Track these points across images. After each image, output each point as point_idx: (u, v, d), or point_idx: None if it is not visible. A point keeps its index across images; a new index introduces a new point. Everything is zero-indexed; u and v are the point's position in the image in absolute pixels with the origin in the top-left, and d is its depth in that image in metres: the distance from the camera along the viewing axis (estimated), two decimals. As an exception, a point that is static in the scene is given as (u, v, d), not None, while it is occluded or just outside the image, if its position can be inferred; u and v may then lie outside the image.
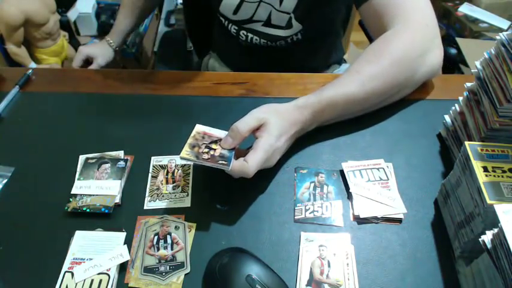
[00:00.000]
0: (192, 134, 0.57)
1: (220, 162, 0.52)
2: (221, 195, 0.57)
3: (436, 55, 0.69)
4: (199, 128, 0.58)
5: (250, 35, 0.89)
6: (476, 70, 0.56)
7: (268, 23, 0.85)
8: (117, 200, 0.56)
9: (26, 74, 0.77)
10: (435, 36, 0.68)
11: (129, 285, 0.48)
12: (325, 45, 0.99)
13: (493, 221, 0.40)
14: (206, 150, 0.54)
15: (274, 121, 0.56)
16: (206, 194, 0.58)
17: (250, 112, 0.57)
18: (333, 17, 0.94)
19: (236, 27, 0.89)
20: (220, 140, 0.56)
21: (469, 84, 0.59)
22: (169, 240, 0.52)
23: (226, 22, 0.90)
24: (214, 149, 0.55)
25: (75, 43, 1.77)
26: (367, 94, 0.63)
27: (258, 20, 0.85)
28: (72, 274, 0.49)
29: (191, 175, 0.60)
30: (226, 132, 0.57)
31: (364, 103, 0.64)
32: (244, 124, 0.55)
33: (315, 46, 0.94)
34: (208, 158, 0.53)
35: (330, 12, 0.91)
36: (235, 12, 0.85)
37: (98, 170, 0.60)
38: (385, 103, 0.67)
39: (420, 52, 0.66)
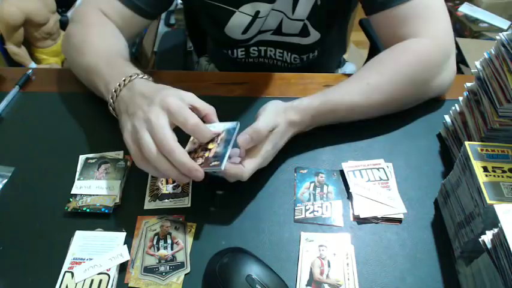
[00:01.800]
0: (190, 139, 0.55)
1: (212, 164, 0.50)
2: (221, 195, 0.57)
3: (448, 75, 0.67)
4: None
5: (262, 48, 0.85)
6: (476, 70, 0.56)
7: (278, 31, 0.82)
8: (117, 200, 0.56)
9: (26, 74, 0.76)
10: (451, 53, 0.67)
11: (129, 285, 0.48)
12: (334, 58, 0.99)
13: (493, 221, 0.40)
14: (202, 153, 0.52)
15: (280, 128, 0.56)
16: (206, 194, 0.57)
17: (266, 111, 0.56)
18: (346, 26, 0.94)
19: (243, 51, 0.86)
20: (217, 136, 0.53)
21: (469, 84, 0.59)
22: (169, 240, 0.52)
23: (230, 51, 0.87)
24: (210, 149, 0.52)
25: (75, 43, 1.76)
26: (371, 106, 0.62)
27: (267, 30, 0.82)
28: (72, 274, 0.49)
29: (191, 175, 0.60)
30: (225, 124, 0.55)
31: (366, 113, 0.64)
32: (267, 126, 0.54)
33: (325, 61, 0.93)
34: (202, 163, 0.50)
35: (344, 18, 0.89)
36: (245, 31, 0.81)
37: (98, 170, 0.60)
38: (387, 113, 0.66)
39: (435, 71, 0.65)
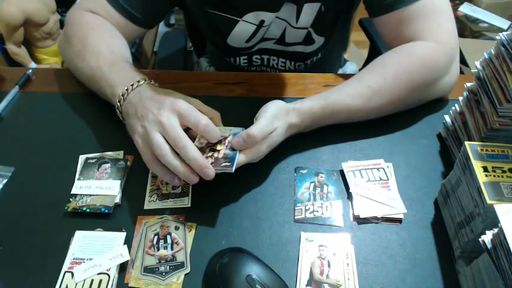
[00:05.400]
0: (197, 138, 0.56)
1: (223, 164, 0.51)
2: (221, 195, 0.57)
3: (451, 79, 0.67)
4: None
5: (265, 57, 0.84)
6: (476, 70, 0.56)
7: (281, 40, 0.81)
8: (117, 200, 0.56)
9: (26, 74, 0.76)
10: (455, 57, 0.66)
11: (129, 285, 0.48)
12: (336, 57, 0.98)
13: (493, 221, 0.41)
14: (210, 153, 0.53)
15: (278, 131, 0.56)
16: (206, 194, 0.57)
17: (266, 115, 0.55)
18: (348, 25, 0.93)
19: (246, 59, 0.85)
20: (224, 138, 0.55)
21: (469, 84, 0.59)
22: (169, 240, 0.52)
23: (233, 59, 0.86)
24: (218, 150, 0.54)
25: (75, 43, 1.76)
26: (371, 109, 0.62)
27: (270, 38, 0.81)
28: (72, 274, 0.49)
29: (191, 175, 0.60)
30: (232, 128, 0.56)
31: (367, 116, 0.64)
32: (262, 132, 0.53)
33: (328, 61, 0.93)
34: (212, 163, 0.52)
35: (347, 18, 0.89)
36: (248, 40, 0.80)
37: (98, 170, 0.60)
38: (387, 115, 0.66)
39: (439, 75, 0.65)
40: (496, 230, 0.40)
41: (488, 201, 0.42)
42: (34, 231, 0.54)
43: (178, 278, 0.49)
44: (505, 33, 0.51)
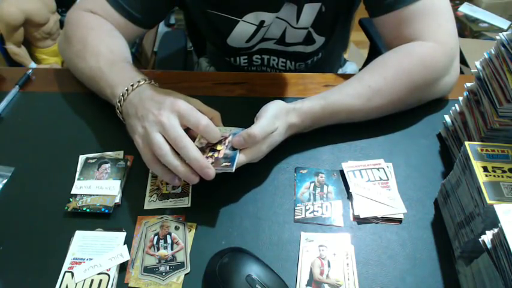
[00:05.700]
0: (197, 138, 0.56)
1: (223, 164, 0.51)
2: (221, 195, 0.57)
3: (451, 79, 0.67)
4: None
5: (265, 57, 0.84)
6: (476, 70, 0.56)
7: (282, 41, 0.81)
8: (117, 200, 0.56)
9: (26, 74, 0.76)
10: (455, 57, 0.66)
11: (129, 285, 0.48)
12: (337, 56, 0.98)
13: (493, 221, 0.41)
14: (211, 153, 0.53)
15: (278, 131, 0.56)
16: (206, 194, 0.57)
17: (267, 115, 0.55)
18: (348, 25, 0.93)
19: (246, 59, 0.85)
20: (224, 138, 0.55)
21: (469, 84, 0.59)
22: (169, 240, 0.52)
23: (233, 59, 0.86)
24: (219, 150, 0.54)
25: (75, 43, 1.76)
26: (371, 109, 0.62)
27: (270, 38, 0.81)
28: (72, 274, 0.49)
29: (191, 175, 0.60)
30: (231, 128, 0.56)
31: (367, 116, 0.64)
32: (263, 132, 0.53)
33: (329, 60, 0.93)
34: (212, 163, 0.52)
35: (348, 18, 0.89)
36: (248, 40, 0.80)
37: (98, 170, 0.60)
38: (387, 115, 0.66)
39: (439, 75, 0.65)
40: (496, 230, 0.40)
41: (488, 201, 0.42)
42: (34, 231, 0.54)
43: (178, 278, 0.49)
44: (505, 33, 0.51)
